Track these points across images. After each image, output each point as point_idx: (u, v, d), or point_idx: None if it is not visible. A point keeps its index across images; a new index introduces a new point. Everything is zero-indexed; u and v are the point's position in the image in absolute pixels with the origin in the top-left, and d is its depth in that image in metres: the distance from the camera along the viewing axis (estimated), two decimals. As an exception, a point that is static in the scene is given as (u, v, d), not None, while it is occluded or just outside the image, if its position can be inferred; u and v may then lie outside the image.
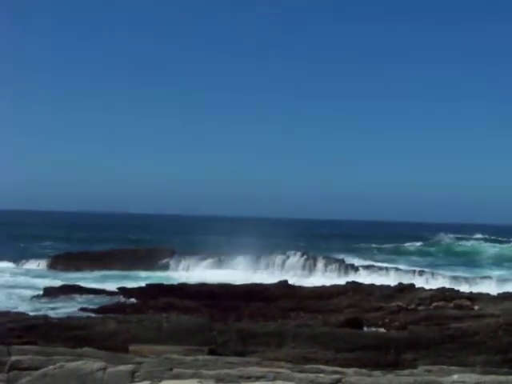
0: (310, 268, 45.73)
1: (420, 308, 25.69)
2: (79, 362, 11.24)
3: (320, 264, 46.00)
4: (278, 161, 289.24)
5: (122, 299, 30.61)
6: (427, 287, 32.77)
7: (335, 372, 12.08)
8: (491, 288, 36.74)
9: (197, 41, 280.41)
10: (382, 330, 22.41)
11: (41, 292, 31.93)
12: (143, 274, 43.15)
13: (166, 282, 34.99)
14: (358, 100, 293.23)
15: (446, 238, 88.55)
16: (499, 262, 62.63)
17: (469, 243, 79.66)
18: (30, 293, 32.23)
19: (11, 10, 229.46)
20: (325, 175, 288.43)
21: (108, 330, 18.80)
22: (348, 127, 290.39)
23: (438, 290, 30.61)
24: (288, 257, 47.22)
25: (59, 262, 47.62)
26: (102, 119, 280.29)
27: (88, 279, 38.47)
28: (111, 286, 34.16)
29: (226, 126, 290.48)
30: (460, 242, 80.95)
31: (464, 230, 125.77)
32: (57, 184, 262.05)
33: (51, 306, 28.59)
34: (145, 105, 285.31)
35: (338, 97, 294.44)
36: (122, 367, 11.11)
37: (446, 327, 19.85)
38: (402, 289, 30.99)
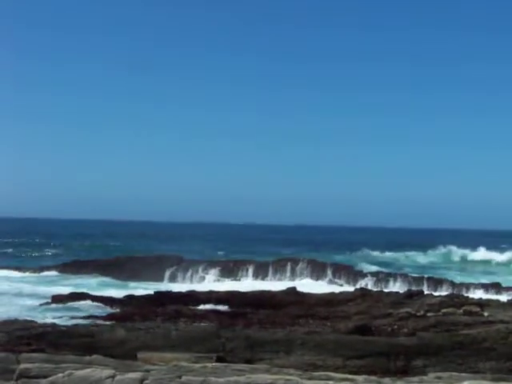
0: (319, 275, 45.62)
1: (429, 314, 25.49)
2: (88, 370, 11.24)
3: (328, 271, 45.90)
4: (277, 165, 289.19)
5: (129, 307, 30.51)
6: (436, 293, 32.63)
7: (345, 379, 12.06)
8: (501, 294, 36.60)
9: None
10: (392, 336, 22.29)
11: (49, 300, 31.91)
12: (151, 282, 43.09)
13: (174, 290, 34.94)
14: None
15: (453, 245, 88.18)
16: (508, 268, 62.40)
17: (476, 250, 79.12)
18: (37, 300, 32.22)
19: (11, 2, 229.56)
20: (325, 179, 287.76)
21: (116, 338, 18.76)
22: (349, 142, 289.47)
23: (447, 296, 30.45)
24: (296, 264, 47.09)
25: (67, 270, 47.67)
26: (102, 124, 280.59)
27: (96, 287, 38.44)
28: (119, 294, 34.11)
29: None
30: (467, 249, 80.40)
31: (470, 235, 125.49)
32: (58, 191, 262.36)
33: (59, 313, 28.53)
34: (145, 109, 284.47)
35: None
36: (130, 375, 11.10)
37: (455, 334, 19.74)
38: (411, 295, 30.85)
